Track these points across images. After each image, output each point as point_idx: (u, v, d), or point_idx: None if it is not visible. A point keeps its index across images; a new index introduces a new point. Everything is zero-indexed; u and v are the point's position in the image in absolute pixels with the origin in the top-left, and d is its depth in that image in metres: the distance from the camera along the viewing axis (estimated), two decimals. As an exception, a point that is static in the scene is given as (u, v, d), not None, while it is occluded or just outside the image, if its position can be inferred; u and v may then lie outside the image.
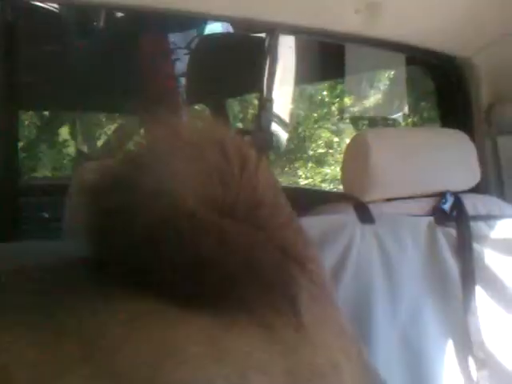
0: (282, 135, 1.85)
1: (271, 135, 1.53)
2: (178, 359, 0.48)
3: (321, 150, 5.87)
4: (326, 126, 5.95)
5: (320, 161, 5.80)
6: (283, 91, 1.90)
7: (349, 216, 1.09)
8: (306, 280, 0.64)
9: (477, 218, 1.20)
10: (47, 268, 0.59)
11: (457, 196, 1.22)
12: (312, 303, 0.62)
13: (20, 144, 3.68)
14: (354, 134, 5.42)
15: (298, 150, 5.79)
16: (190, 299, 0.51)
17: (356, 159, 1.14)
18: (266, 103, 1.47)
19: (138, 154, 0.63)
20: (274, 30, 1.33)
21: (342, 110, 5.58)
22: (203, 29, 2.67)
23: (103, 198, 0.58)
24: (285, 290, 0.57)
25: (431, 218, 1.16)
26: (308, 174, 5.74)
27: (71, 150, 4.42)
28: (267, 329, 0.53)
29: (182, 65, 2.57)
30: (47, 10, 2.24)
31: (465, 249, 1.13)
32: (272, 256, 0.59)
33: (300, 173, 5.74)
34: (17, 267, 0.59)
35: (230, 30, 2.49)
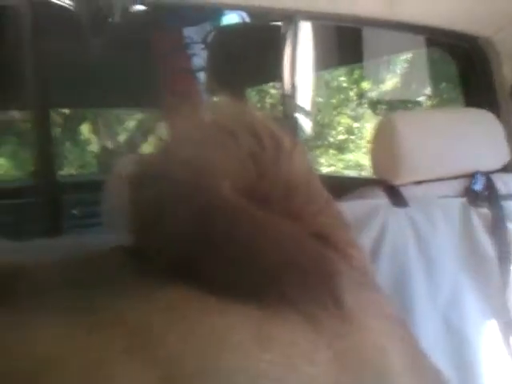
0: (307, 123, 1.85)
1: (297, 123, 1.53)
2: (221, 347, 0.48)
3: (341, 137, 5.83)
4: (345, 111, 5.91)
5: (341, 147, 5.76)
6: (303, 78, 1.90)
7: (381, 200, 1.09)
8: (346, 266, 0.64)
9: (509, 197, 1.20)
10: (86, 259, 0.60)
11: (487, 176, 1.21)
12: (354, 289, 0.61)
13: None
14: (374, 118, 5.39)
15: (318, 137, 5.75)
16: (231, 290, 0.51)
17: (384, 143, 1.14)
18: (289, 91, 1.47)
19: (172, 144, 0.63)
20: (292, 17, 1.32)
21: (360, 95, 5.53)
22: (219, 21, 2.67)
23: (143, 190, 0.59)
24: (326, 280, 0.57)
25: (464, 199, 1.16)
26: (330, 162, 5.71)
27: (94, 147, 4.47)
28: (310, 319, 0.53)
29: (199, 59, 2.58)
30: (64, 8, 2.25)
31: (499, 228, 1.13)
32: (311, 245, 0.59)
33: (322, 160, 5.70)
34: (56, 260, 0.60)
35: (247, 19, 2.49)
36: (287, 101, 1.50)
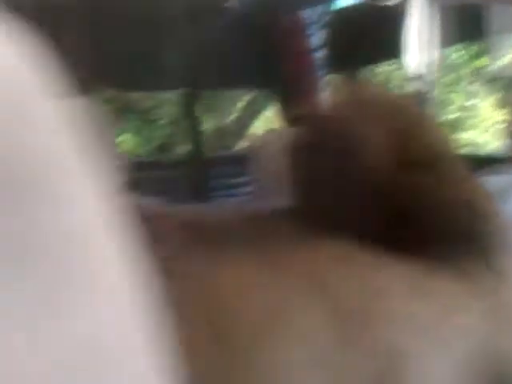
0: (428, 100, 1.84)
1: (423, 100, 1.54)
2: (378, 292, 0.53)
3: (455, 114, 5.60)
4: (459, 89, 5.67)
5: (455, 126, 5.55)
6: (424, 56, 1.88)
7: None
8: (493, 233, 0.68)
9: None
10: (252, 217, 0.68)
11: None
12: (504, 251, 0.65)
13: (164, 122, 3.99)
14: (490, 96, 5.14)
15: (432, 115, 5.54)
16: (392, 248, 0.56)
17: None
18: (412, 69, 1.49)
19: (326, 117, 0.69)
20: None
21: (477, 72, 5.29)
22: (335, 3, 2.71)
23: (304, 160, 0.66)
24: (480, 239, 0.60)
25: None
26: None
27: (206, 125, 4.67)
28: (466, 275, 0.57)
29: (316, 39, 2.61)
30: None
31: None
32: (461, 209, 0.64)
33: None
34: (227, 218, 0.68)
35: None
36: (414, 79, 1.51)
